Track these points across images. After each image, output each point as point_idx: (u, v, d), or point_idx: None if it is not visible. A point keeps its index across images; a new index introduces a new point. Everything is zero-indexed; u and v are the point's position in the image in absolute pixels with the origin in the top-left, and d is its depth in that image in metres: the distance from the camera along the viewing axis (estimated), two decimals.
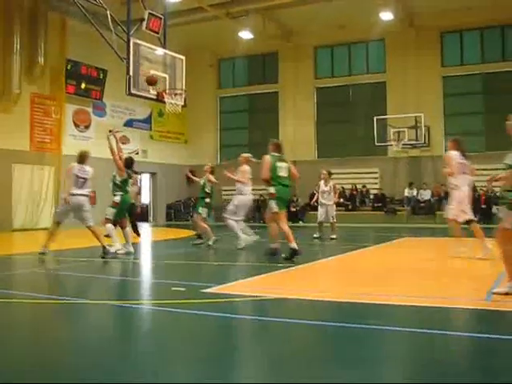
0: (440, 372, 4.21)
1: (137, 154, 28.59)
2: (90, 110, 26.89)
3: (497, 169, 26.77)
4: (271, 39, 29.49)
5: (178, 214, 31.60)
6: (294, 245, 10.54)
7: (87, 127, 26.65)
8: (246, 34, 28.30)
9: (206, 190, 14.73)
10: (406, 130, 26.80)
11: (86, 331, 5.76)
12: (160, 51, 14.71)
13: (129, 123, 28.90)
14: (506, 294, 6.69)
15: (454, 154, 11.23)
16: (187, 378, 4.16)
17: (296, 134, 30.41)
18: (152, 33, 14.63)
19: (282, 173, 11.00)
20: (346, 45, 30.33)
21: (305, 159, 29.18)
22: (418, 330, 5.44)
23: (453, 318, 6.18)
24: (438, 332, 5.35)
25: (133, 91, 13.83)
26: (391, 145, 27.49)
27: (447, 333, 5.35)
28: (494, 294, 6.84)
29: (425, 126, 27.06)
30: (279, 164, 10.97)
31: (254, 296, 7.15)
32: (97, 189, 17.24)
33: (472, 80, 28.13)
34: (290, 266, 9.82)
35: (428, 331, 5.38)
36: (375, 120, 27.36)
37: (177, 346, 5.12)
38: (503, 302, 6.69)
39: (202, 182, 14.97)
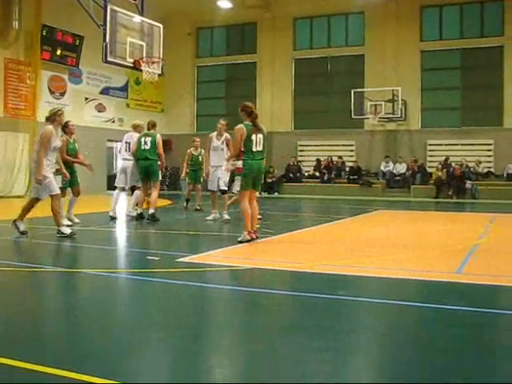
0: (402, 340, 4.30)
1: (113, 122, 28.42)
2: (65, 76, 26.49)
3: (472, 144, 27.26)
4: (250, 9, 29.26)
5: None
6: (245, 236, 9.22)
7: (63, 94, 26.28)
8: (224, 3, 28.06)
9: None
10: (383, 103, 26.87)
11: (57, 299, 5.76)
12: (137, 18, 14.56)
13: (105, 91, 28.57)
14: None
15: None
16: (160, 346, 4.19)
17: (273, 105, 30.33)
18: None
19: (257, 146, 9.40)
20: (326, 17, 30.15)
21: (282, 130, 29.20)
22: (389, 301, 5.53)
23: (423, 290, 6.27)
24: (407, 303, 5.46)
25: (109, 59, 13.70)
26: (368, 118, 27.55)
27: (416, 304, 5.46)
28: None
29: (402, 100, 27.13)
30: (254, 136, 9.34)
31: (228, 266, 7.19)
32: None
33: (450, 55, 28.20)
34: (265, 237, 9.87)
35: (398, 302, 5.48)
36: (353, 93, 27.38)
37: (151, 314, 5.14)
38: (473, 275, 6.81)
39: (197, 153, 15.50)
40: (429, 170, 27.38)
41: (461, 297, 5.77)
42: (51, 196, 9.81)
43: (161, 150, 12.79)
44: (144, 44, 14.45)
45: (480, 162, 26.63)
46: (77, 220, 12.05)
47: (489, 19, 27.53)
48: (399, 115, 27.16)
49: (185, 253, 8.06)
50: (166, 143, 24.03)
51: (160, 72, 14.99)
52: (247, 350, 4.13)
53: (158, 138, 12.84)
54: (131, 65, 14.40)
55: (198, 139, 16.33)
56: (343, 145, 29.42)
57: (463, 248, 8.82)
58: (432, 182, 26.24)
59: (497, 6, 27.20)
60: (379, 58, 28.34)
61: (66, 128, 11.91)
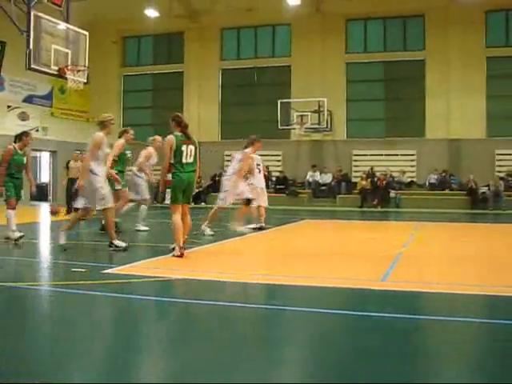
0: (325, 348, 4.35)
1: (37, 131, 27.74)
2: None
3: (396, 154, 27.92)
4: (177, 18, 29.18)
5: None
6: (177, 251, 8.82)
7: None
8: (151, 12, 27.88)
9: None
10: (309, 114, 27.19)
11: None
12: (62, 25, 14.28)
13: (29, 99, 27.87)
14: None
15: None
16: (84, 360, 4.10)
17: (200, 115, 30.30)
18: (54, 6, 14.18)
19: (188, 158, 8.99)
20: (253, 27, 30.40)
21: (209, 140, 29.16)
22: (314, 310, 5.59)
23: (350, 298, 6.36)
24: (333, 311, 5.55)
25: (33, 66, 13.40)
26: (294, 128, 27.84)
27: (342, 312, 5.55)
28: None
29: (328, 111, 27.53)
30: (184, 147, 8.92)
31: (154, 277, 7.11)
32: None
33: (374, 67, 28.87)
34: (191, 247, 9.81)
35: (324, 311, 5.55)
36: (279, 103, 27.60)
37: (74, 326, 5.03)
38: (398, 282, 6.96)
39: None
40: (354, 179, 27.87)
41: (385, 304, 5.88)
42: (105, 209, 9.54)
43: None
44: (69, 52, 14.19)
45: (404, 172, 27.29)
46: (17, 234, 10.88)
47: (411, 34, 28.37)
48: (325, 126, 27.52)
49: (112, 264, 7.93)
50: None
51: (85, 80, 14.76)
52: (172, 358, 4.09)
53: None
54: (56, 72, 14.11)
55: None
56: (270, 155, 29.60)
57: (388, 256, 8.99)
58: (357, 191, 26.71)
59: (418, 21, 28.06)
60: (305, 69, 28.72)
61: (24, 138, 11.09)
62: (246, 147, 12.92)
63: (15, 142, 11.01)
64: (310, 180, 28.15)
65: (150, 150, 13.40)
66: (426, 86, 27.79)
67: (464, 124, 26.38)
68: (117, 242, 9.43)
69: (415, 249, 10.70)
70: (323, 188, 27.94)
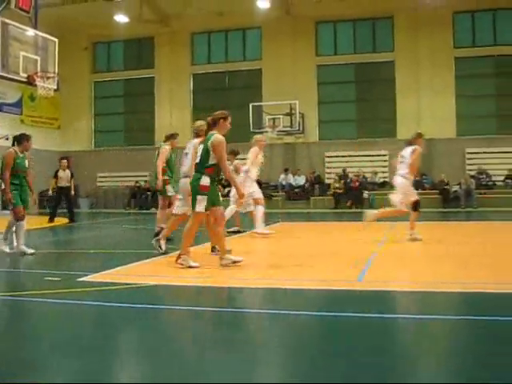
0: (297, 349, 4.37)
1: (6, 139, 27.41)
2: None
3: (368, 155, 28.10)
4: (147, 23, 29.08)
5: (51, 201, 30.51)
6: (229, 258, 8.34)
7: None
8: (121, 18, 27.77)
9: None
10: (281, 116, 27.24)
11: None
12: (31, 32, 14.16)
13: None
14: None
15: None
16: (60, 370, 4.06)
17: (172, 120, 30.22)
18: (22, 12, 14.05)
19: None
20: (223, 31, 30.42)
21: (182, 145, 28.98)
22: (291, 312, 5.60)
23: (325, 298, 6.38)
24: (308, 313, 5.56)
25: (1, 73, 13.25)
26: (267, 131, 27.85)
27: (317, 313, 5.56)
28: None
29: (299, 113, 27.61)
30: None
31: (129, 284, 7.06)
32: None
33: (345, 69, 29.05)
34: (169, 253, 9.75)
35: (301, 312, 5.56)
36: (251, 107, 27.61)
37: (49, 336, 4.98)
38: (372, 282, 7.00)
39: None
40: (327, 181, 27.99)
41: (361, 304, 5.92)
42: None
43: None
44: (38, 58, 14.06)
45: (376, 173, 27.46)
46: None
47: (380, 35, 28.63)
48: (297, 128, 27.60)
49: (87, 272, 7.86)
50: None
51: (55, 87, 14.64)
52: (150, 364, 4.07)
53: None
54: (25, 80, 13.97)
55: None
56: (242, 158, 29.51)
57: (363, 256, 9.03)
58: (331, 193, 26.81)
59: (387, 22, 28.33)
60: (276, 72, 28.81)
61: (25, 142, 10.49)
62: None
63: (13, 144, 10.36)
64: (284, 183, 28.21)
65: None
66: (396, 87, 28.04)
67: (434, 123, 26.62)
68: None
69: (389, 248, 10.78)
70: (297, 190, 28.02)
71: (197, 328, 5.21)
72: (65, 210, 18.69)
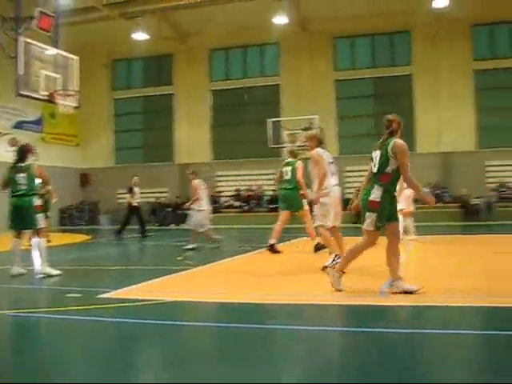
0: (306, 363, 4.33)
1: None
2: None
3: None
4: (166, 41, 29.31)
5: (71, 218, 30.75)
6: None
7: None
8: (140, 35, 27.98)
9: None
10: (300, 131, 27.19)
11: None
12: (52, 51, 14.29)
13: (18, 125, 27.85)
14: None
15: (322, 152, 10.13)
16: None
17: (191, 137, 30.39)
18: (43, 31, 14.18)
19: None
20: (241, 47, 30.59)
21: (201, 161, 29.16)
22: (310, 328, 5.58)
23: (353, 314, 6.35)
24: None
25: (22, 92, 13.36)
26: (285, 147, 27.81)
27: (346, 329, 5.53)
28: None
29: (319, 128, 27.56)
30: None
31: (149, 300, 7.07)
32: None
33: (363, 84, 29.04)
34: (186, 269, 9.76)
35: (317, 328, 5.53)
36: (269, 122, 27.61)
37: (70, 353, 4.99)
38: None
39: None
40: (346, 195, 27.85)
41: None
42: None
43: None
44: (59, 76, 14.18)
45: None
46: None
47: (398, 49, 28.66)
48: None
49: (107, 288, 7.87)
50: (84, 177, 23.50)
51: (76, 105, 14.75)
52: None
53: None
54: (46, 98, 14.08)
55: None
56: (261, 174, 29.59)
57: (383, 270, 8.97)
58: (349, 208, 26.60)
59: (404, 36, 28.33)
60: (295, 88, 28.89)
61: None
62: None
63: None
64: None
65: None
66: (414, 100, 27.99)
67: (454, 137, 26.51)
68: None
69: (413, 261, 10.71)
70: None
71: (225, 344, 5.19)
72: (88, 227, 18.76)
